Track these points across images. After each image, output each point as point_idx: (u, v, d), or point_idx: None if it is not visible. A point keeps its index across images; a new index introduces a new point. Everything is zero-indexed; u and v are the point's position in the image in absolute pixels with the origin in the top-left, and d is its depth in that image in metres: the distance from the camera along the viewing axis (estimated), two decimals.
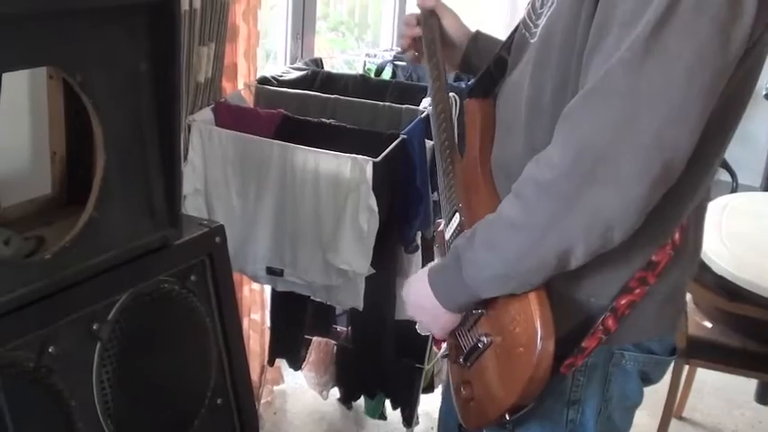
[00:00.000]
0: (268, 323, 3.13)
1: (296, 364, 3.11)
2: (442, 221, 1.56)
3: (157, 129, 1.62)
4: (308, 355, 3.12)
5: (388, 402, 3.05)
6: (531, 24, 1.39)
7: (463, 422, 1.51)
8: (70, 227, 1.55)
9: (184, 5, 2.26)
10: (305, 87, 2.83)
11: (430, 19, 1.74)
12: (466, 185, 1.50)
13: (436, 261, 1.44)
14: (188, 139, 2.45)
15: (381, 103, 2.66)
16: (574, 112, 1.18)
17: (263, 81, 2.79)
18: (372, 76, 3.05)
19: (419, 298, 1.42)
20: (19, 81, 1.88)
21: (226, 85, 2.66)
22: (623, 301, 1.32)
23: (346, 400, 3.19)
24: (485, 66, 1.57)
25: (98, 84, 1.50)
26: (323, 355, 3.11)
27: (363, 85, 2.91)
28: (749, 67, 1.23)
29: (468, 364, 1.42)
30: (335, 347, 3.08)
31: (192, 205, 2.46)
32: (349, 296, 2.49)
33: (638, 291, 1.32)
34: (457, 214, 1.49)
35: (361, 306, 2.48)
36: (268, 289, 3.03)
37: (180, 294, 1.72)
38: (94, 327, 1.55)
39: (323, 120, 2.53)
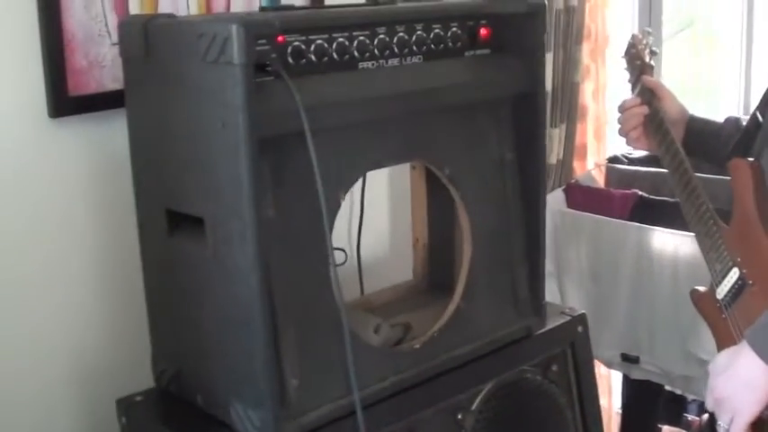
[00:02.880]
0: (615, 409, 3.04)
1: None
2: (703, 288, 1.66)
3: (522, 216, 1.63)
4: None
5: None
6: None
7: None
8: (434, 314, 1.58)
9: None
10: (656, 164, 2.73)
11: (652, 98, 1.79)
12: (743, 240, 1.57)
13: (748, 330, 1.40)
14: None
15: None
16: None
17: (614, 159, 2.75)
18: None
19: (738, 371, 1.38)
20: (380, 172, 1.96)
21: (576, 165, 2.65)
22: None
23: None
24: (711, 141, 1.73)
25: (466, 175, 1.54)
26: None
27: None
28: None
29: None
30: None
31: (545, 289, 2.44)
32: None
33: None
34: (734, 269, 1.56)
35: None
36: (614, 373, 2.94)
37: (541, 385, 1.69)
38: (459, 416, 1.56)
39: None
